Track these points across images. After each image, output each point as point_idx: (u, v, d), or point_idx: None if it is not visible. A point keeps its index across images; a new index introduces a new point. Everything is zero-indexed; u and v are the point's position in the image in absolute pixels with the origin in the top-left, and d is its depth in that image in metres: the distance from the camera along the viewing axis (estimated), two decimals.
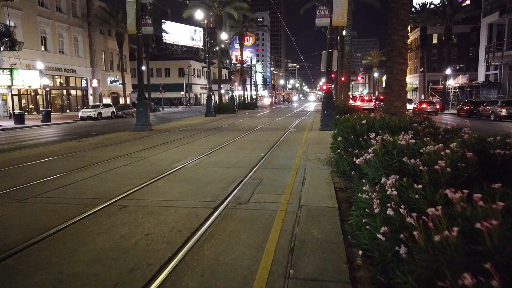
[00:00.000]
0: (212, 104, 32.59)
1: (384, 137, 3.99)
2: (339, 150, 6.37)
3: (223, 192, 6.23)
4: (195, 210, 5.26)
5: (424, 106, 39.90)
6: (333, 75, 19.13)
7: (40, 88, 34.82)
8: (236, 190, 6.36)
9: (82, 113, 34.75)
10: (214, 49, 68.34)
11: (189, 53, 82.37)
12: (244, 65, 68.29)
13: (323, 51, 17.25)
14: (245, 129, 18.87)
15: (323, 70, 17.41)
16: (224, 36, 40.93)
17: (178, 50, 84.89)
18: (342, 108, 22.31)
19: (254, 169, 8.14)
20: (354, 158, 5.41)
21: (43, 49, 40.84)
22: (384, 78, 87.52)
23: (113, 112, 37.37)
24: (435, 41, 72.17)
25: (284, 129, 18.76)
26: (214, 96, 34.06)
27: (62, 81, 45.61)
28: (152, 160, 9.59)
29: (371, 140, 5.36)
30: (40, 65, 33.47)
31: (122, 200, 5.80)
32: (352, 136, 6.23)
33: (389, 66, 8.14)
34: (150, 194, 6.18)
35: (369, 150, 3.90)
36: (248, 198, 5.85)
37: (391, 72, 8.08)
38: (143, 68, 52.71)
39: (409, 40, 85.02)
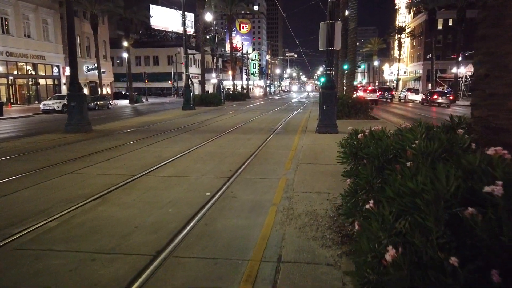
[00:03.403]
0: (191, 95, 27.59)
1: None
2: None
3: None
4: None
5: (435, 97, 35.36)
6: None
7: None
8: None
9: (44, 105, 29.90)
10: (208, 36, 62.86)
11: (179, 39, 76.73)
12: (238, 54, 62.91)
13: (322, 22, 12.25)
14: (217, 130, 13.98)
15: (321, 49, 12.39)
16: (208, 17, 35.68)
17: (168, 37, 79.37)
18: (346, 102, 17.48)
19: (146, 273, 3.29)
20: None
21: (3, 32, 35.72)
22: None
23: None
24: (439, 27, 68.29)
25: (269, 129, 13.89)
26: (193, 85, 29.05)
27: (30, 69, 40.55)
28: None
29: None
30: None
31: None
32: None
33: (493, 16, 3.21)
34: None
35: None
36: None
37: (499, 26, 3.18)
38: (126, 55, 48.01)
39: (411, 26, 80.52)
